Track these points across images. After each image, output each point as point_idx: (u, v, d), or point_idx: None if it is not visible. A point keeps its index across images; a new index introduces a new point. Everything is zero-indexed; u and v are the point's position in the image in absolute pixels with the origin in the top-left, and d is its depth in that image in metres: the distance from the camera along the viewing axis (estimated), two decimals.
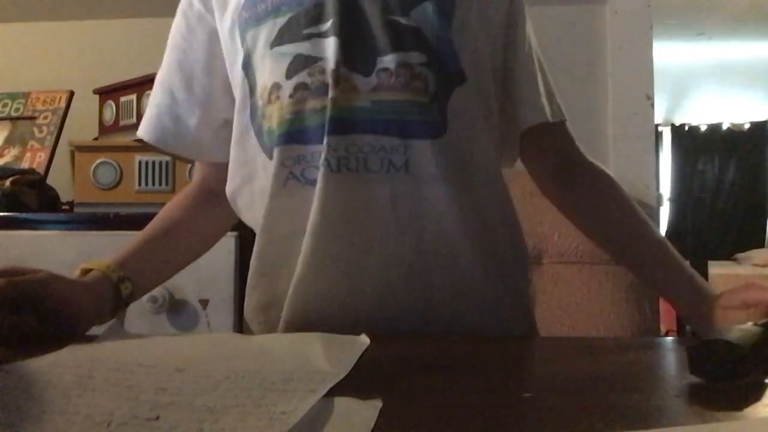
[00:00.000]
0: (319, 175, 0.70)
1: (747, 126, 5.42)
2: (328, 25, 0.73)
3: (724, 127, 5.46)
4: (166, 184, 1.53)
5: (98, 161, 1.54)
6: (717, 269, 3.68)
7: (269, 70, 0.75)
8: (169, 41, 0.88)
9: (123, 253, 0.81)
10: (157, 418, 0.39)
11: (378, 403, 0.41)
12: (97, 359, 0.51)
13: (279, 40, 0.74)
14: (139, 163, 1.53)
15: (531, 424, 0.41)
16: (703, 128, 5.49)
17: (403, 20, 0.74)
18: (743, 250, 4.69)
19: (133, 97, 1.59)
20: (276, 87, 0.74)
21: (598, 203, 0.87)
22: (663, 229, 5.22)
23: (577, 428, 0.39)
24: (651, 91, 1.85)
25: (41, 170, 1.68)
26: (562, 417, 0.41)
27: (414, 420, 0.41)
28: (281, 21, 0.75)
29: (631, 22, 1.88)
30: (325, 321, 0.71)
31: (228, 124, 0.83)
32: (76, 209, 1.56)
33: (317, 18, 0.74)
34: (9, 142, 1.78)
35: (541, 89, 0.85)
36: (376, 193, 0.71)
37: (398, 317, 0.73)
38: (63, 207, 1.70)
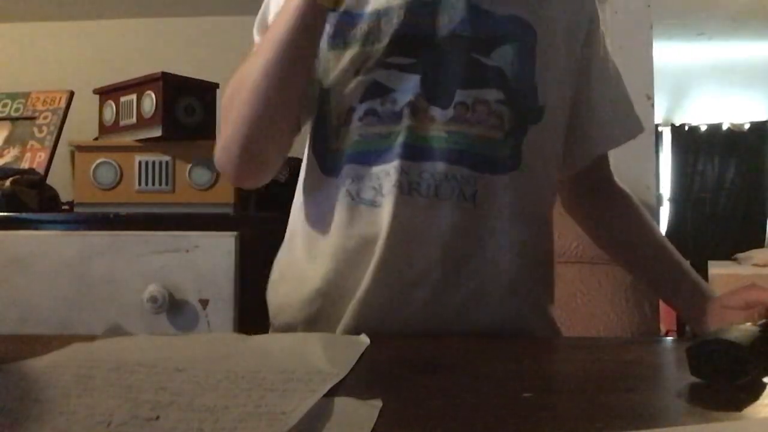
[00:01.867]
0: (391, 197, 0.72)
1: (747, 126, 5.42)
2: (409, 59, 0.74)
3: (724, 127, 5.46)
4: (166, 184, 1.53)
5: (98, 161, 1.54)
6: (717, 269, 3.68)
7: (348, 93, 0.76)
8: None
9: None
10: (157, 418, 0.39)
11: (378, 403, 0.41)
12: (97, 359, 0.51)
13: (362, 68, 0.75)
14: (139, 163, 1.53)
15: (531, 424, 0.41)
16: (703, 128, 5.50)
17: (485, 60, 0.75)
18: (743, 250, 4.69)
19: (133, 97, 1.59)
20: (351, 110, 0.76)
21: (621, 226, 0.90)
22: (663, 229, 5.21)
23: (577, 428, 0.39)
24: (651, 91, 1.84)
25: (41, 170, 1.68)
26: (562, 417, 0.41)
27: (414, 420, 0.41)
28: (369, 50, 0.75)
29: (631, 22, 1.87)
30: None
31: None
32: (76, 209, 1.55)
33: (399, 50, 0.75)
34: (9, 142, 1.78)
35: (624, 105, 0.88)
36: (442, 220, 0.72)
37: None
38: (63, 207, 1.69)
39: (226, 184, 1.51)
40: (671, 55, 4.80)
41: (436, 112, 0.73)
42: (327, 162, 0.78)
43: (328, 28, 0.76)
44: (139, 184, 1.53)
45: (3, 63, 2.11)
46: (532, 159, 0.76)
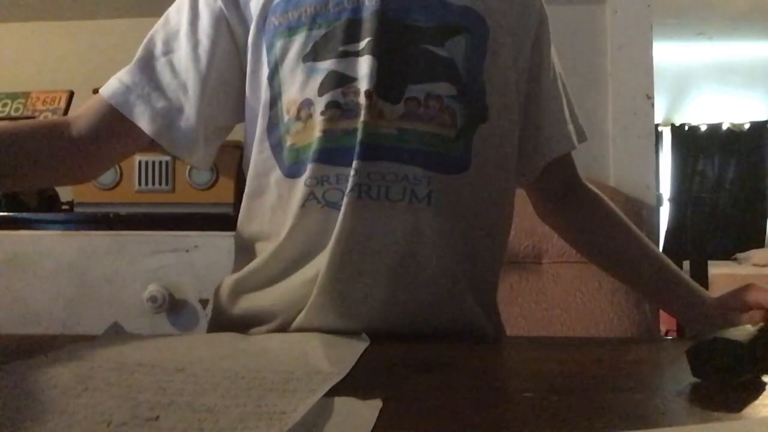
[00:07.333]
0: (344, 202, 0.68)
1: (747, 126, 5.42)
2: (363, 44, 0.71)
3: (724, 127, 5.46)
4: (166, 184, 1.53)
5: None
6: (717, 269, 3.68)
7: (300, 84, 0.72)
8: (186, 26, 0.79)
9: None
10: (157, 418, 0.39)
11: (378, 403, 0.41)
12: (97, 359, 0.51)
13: (313, 54, 0.72)
14: (139, 163, 1.53)
15: (531, 424, 0.41)
16: (703, 128, 5.49)
17: (437, 50, 0.72)
18: (743, 250, 4.69)
19: None
20: (308, 103, 0.71)
21: (593, 227, 0.90)
22: (663, 229, 5.22)
23: (577, 428, 0.39)
24: (651, 91, 1.85)
25: None
26: (562, 417, 0.41)
27: (414, 420, 0.41)
28: (317, 34, 0.72)
29: (631, 22, 1.87)
30: None
31: (218, 131, 0.81)
32: (76, 209, 1.55)
33: (354, 35, 0.71)
34: None
35: (566, 114, 0.86)
36: (396, 223, 0.69)
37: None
38: (63, 207, 1.70)
39: (226, 184, 1.51)
40: (671, 55, 4.80)
41: (385, 107, 0.69)
42: (282, 157, 0.73)
43: (273, 19, 0.73)
44: (139, 184, 1.53)
45: (3, 63, 2.11)
46: (482, 160, 0.73)
